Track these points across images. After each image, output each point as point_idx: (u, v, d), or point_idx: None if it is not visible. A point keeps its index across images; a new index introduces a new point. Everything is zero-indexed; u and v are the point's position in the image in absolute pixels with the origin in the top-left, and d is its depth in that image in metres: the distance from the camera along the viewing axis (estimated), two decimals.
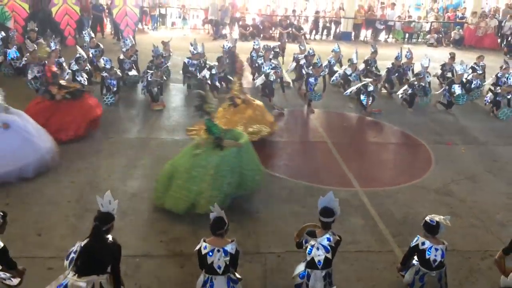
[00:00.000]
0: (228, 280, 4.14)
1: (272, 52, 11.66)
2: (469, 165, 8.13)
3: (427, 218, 4.40)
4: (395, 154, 8.75)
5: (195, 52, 10.95)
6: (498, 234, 5.99)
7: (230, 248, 4.11)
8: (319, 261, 4.09)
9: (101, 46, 12.09)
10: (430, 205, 6.54)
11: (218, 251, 4.06)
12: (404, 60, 11.89)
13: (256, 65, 11.60)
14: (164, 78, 10.87)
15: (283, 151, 8.32)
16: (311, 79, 10.11)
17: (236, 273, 4.27)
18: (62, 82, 8.08)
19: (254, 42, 12.70)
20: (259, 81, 10.58)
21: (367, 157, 8.47)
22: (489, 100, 10.90)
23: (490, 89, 11.40)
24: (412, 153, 8.65)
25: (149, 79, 9.66)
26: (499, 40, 19.41)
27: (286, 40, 15.70)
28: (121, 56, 11.08)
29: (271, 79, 10.33)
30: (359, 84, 10.32)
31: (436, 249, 4.28)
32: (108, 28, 17.34)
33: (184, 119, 9.31)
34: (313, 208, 5.90)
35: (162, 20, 19.23)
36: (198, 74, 10.62)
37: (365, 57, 11.98)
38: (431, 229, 4.34)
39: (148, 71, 9.89)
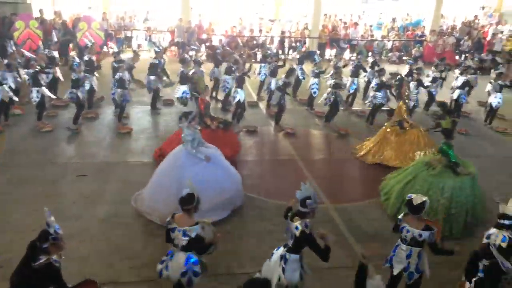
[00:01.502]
0: (188, 258, 4.14)
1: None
2: None
3: (408, 196, 4.53)
4: (364, 170, 8.82)
5: (159, 50, 11.16)
6: (465, 244, 6.10)
7: (189, 230, 4.11)
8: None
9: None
10: None
11: (179, 231, 4.12)
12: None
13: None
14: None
15: (253, 170, 8.32)
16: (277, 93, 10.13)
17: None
18: (212, 115, 8.41)
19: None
20: (240, 96, 10.07)
21: (336, 173, 8.58)
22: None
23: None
24: (380, 168, 8.76)
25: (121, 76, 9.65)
26: (457, 57, 20.20)
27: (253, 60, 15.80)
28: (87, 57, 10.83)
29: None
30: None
31: (408, 231, 4.40)
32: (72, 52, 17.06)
33: (152, 142, 9.18)
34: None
35: (128, 42, 19.12)
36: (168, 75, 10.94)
37: (331, 72, 12.11)
38: (409, 208, 4.43)
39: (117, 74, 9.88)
